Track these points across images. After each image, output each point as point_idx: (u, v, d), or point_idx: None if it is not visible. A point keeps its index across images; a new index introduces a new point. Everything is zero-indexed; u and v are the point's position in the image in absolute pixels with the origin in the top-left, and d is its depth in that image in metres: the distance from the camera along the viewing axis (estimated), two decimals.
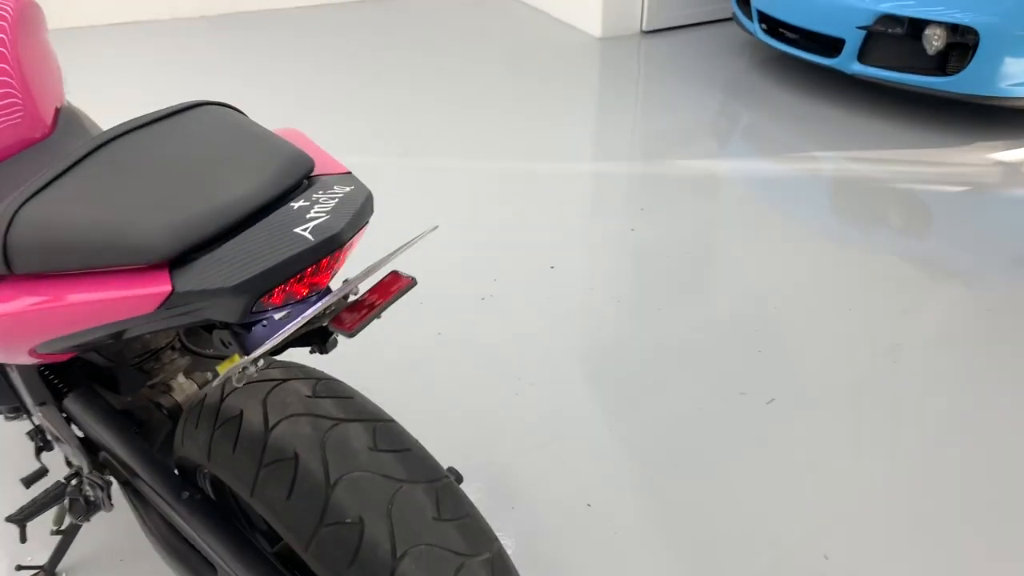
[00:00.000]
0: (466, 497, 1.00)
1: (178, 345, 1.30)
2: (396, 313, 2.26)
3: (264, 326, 0.90)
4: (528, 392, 1.98)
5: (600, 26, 4.49)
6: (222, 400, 1.03)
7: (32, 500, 1.24)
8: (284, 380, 1.03)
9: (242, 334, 0.91)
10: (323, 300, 0.83)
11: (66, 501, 1.23)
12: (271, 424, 0.97)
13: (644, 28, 4.56)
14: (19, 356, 0.89)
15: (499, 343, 2.15)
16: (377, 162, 3.16)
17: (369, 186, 3.01)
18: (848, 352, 2.10)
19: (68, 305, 0.79)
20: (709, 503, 1.68)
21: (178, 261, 0.77)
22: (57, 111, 1.22)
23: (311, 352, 1.39)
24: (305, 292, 0.83)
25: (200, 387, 1.30)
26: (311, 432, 0.96)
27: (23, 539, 1.23)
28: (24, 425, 1.82)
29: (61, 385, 1.25)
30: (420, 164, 3.13)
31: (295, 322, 0.79)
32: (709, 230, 2.67)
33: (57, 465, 1.65)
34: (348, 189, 0.86)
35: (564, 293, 2.36)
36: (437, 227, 1.11)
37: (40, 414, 1.23)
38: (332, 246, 0.78)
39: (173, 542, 1.14)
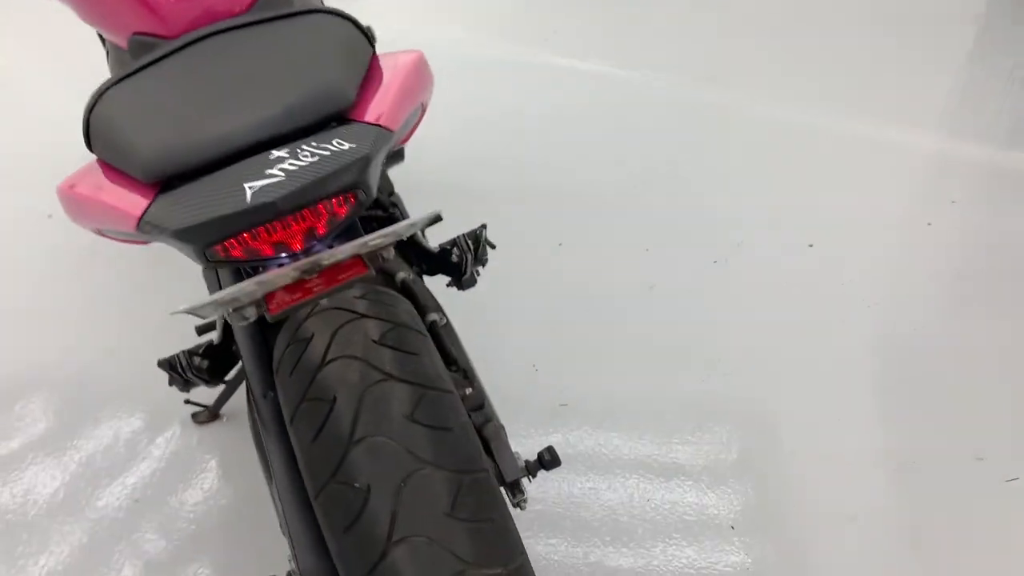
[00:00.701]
0: (499, 499, 0.89)
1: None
2: (609, 255, 2.11)
3: (280, 265, 0.84)
4: (717, 382, 1.76)
5: None
6: (307, 317, 1.00)
7: (183, 350, 1.35)
8: (362, 316, 0.97)
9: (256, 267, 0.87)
10: (284, 267, 0.74)
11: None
12: (327, 359, 0.93)
13: None
14: (90, 231, 0.92)
15: (712, 315, 1.93)
16: (669, 81, 2.93)
17: (641, 109, 2.79)
18: None
19: (96, 201, 0.80)
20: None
21: (167, 186, 0.73)
22: None
23: (448, 286, 1.33)
24: (269, 252, 0.76)
25: None
26: (357, 380, 0.90)
27: (171, 383, 1.34)
28: None
29: None
30: (711, 95, 2.84)
31: (232, 289, 0.72)
32: None
33: None
34: (345, 147, 0.75)
35: (812, 279, 2.03)
36: (439, 215, 0.95)
37: (203, 274, 1.31)
38: (265, 215, 0.69)
39: (259, 434, 1.17)
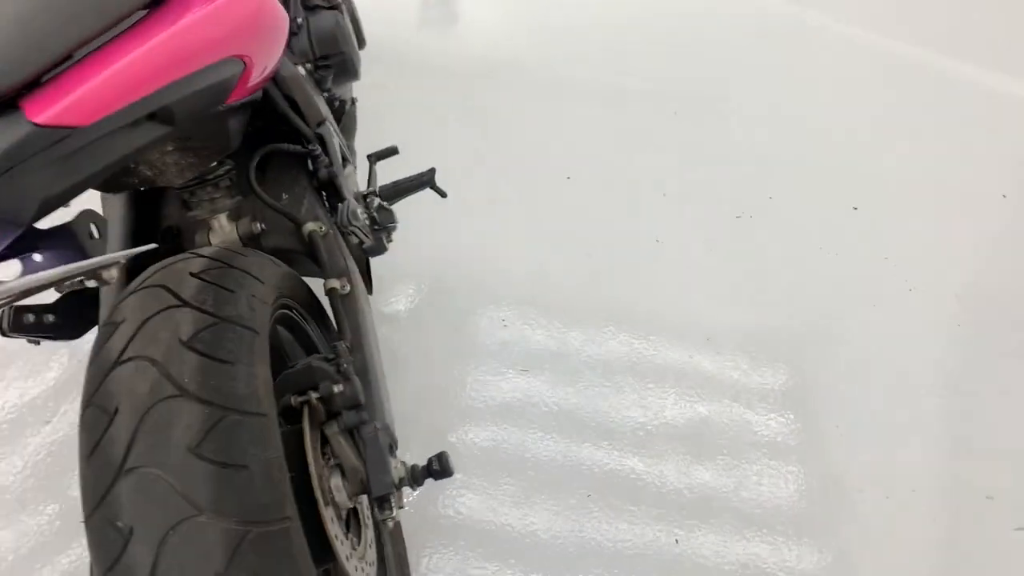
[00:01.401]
0: (296, 559, 0.73)
1: (227, 183, 1.12)
2: (619, 197, 1.85)
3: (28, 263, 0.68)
4: (705, 363, 1.54)
5: None
6: (132, 292, 0.84)
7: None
8: (182, 304, 0.80)
9: None
10: None
11: None
12: (123, 357, 0.77)
13: None
14: None
15: (718, 282, 1.68)
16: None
17: (701, 19, 2.40)
18: None
19: None
20: None
21: None
22: None
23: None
24: None
25: (241, 237, 1.13)
26: (145, 393, 0.74)
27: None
28: None
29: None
30: (788, 8, 2.45)
31: None
32: None
33: None
34: None
35: (847, 250, 1.74)
36: (154, 247, 0.76)
37: None
38: None
39: None
